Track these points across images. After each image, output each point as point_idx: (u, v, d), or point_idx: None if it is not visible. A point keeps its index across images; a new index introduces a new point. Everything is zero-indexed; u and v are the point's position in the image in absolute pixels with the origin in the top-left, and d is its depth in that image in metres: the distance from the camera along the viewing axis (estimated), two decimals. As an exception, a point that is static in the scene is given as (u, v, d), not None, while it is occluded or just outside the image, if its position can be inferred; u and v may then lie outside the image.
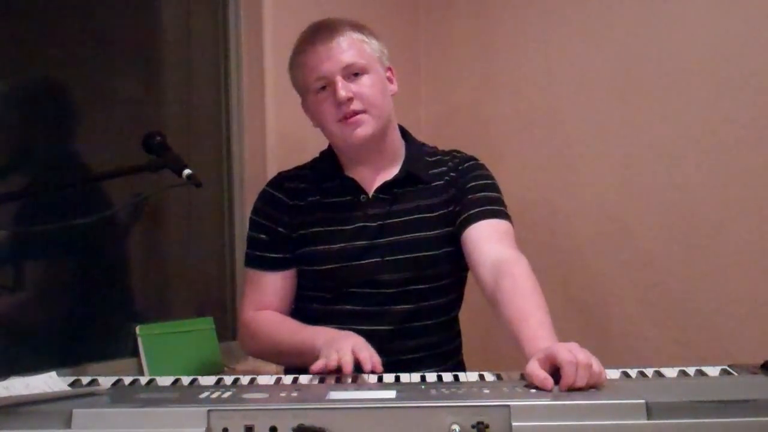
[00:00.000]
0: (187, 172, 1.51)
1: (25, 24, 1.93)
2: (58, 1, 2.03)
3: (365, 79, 1.65)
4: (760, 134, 1.95)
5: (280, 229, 1.71)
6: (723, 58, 2.00)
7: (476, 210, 1.64)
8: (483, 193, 1.68)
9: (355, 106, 1.63)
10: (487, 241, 1.60)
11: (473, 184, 1.70)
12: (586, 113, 2.27)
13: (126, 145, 1.95)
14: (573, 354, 1.16)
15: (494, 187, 1.72)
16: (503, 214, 1.66)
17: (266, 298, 1.73)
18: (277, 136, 2.26)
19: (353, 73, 1.64)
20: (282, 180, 1.77)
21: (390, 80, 1.74)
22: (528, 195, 2.34)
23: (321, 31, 1.67)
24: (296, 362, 1.60)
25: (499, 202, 1.69)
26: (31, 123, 1.97)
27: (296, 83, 1.73)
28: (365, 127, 1.64)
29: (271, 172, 1.85)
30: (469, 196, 1.67)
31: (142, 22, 2.22)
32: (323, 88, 1.65)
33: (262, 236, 1.73)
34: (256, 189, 1.82)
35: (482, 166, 1.76)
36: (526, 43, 2.42)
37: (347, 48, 1.65)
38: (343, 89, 1.62)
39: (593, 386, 1.16)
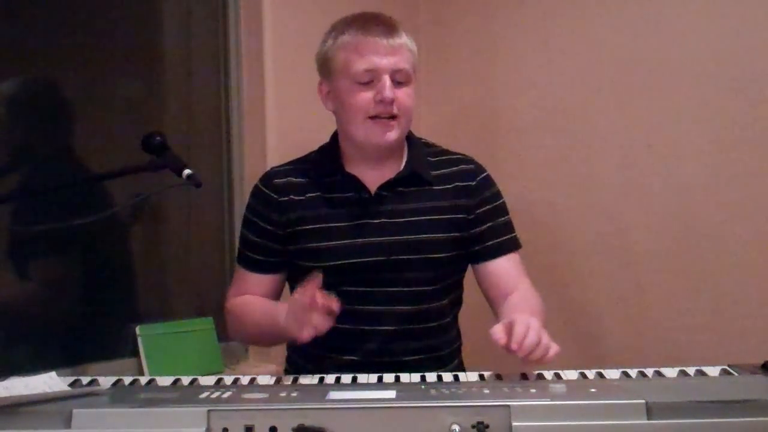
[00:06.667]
0: (187, 172, 1.50)
1: (25, 24, 1.93)
2: (59, 1, 2.03)
3: (407, 88, 1.64)
4: (759, 135, 1.95)
5: (269, 227, 1.68)
6: (723, 59, 2.00)
7: (499, 240, 1.70)
8: (502, 219, 1.72)
9: (393, 110, 1.62)
10: (508, 278, 1.68)
11: (492, 206, 1.72)
12: (586, 113, 2.27)
13: (126, 145, 1.95)
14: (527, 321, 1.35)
15: (506, 209, 1.75)
16: (518, 241, 1.73)
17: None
18: (277, 136, 2.26)
19: (398, 79, 1.63)
20: (272, 176, 1.73)
21: None
22: (527, 195, 2.34)
23: (380, 24, 1.64)
24: (273, 344, 1.76)
25: (512, 225, 1.74)
26: (31, 123, 1.97)
27: (331, 62, 1.67)
28: (394, 133, 1.63)
29: (271, 172, 1.85)
30: (490, 224, 1.70)
31: (142, 22, 2.22)
32: (366, 81, 1.62)
33: (251, 235, 1.71)
34: (256, 189, 1.81)
35: (494, 182, 1.76)
36: (526, 44, 2.42)
37: (404, 52, 1.64)
38: (390, 90, 1.60)
39: (542, 358, 1.32)
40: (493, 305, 1.69)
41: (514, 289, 1.66)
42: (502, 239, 1.70)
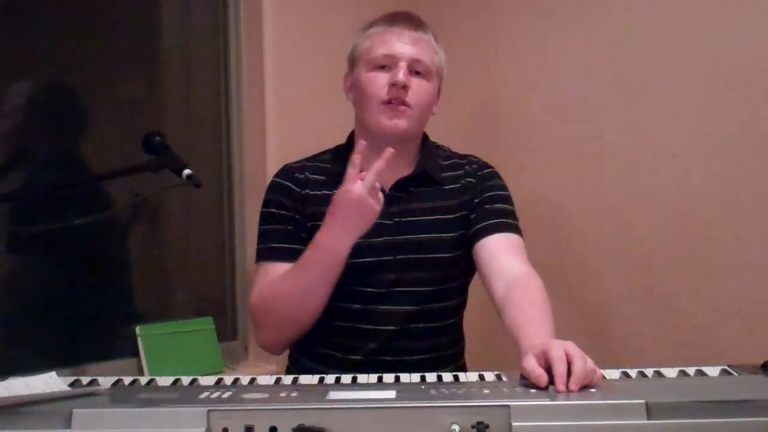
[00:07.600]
0: (187, 172, 1.51)
1: (25, 24, 1.93)
2: (59, 1, 2.03)
3: (423, 82, 1.67)
4: (760, 134, 1.95)
5: (297, 216, 1.67)
6: (723, 58, 2.00)
7: (493, 221, 1.65)
8: (499, 205, 1.69)
9: (406, 96, 1.64)
10: (504, 254, 1.61)
11: (491, 194, 1.70)
12: (586, 113, 2.27)
13: (126, 145, 1.95)
14: (565, 349, 1.18)
15: (510, 200, 1.73)
16: (517, 229, 1.68)
17: None
18: (277, 137, 2.26)
19: (417, 70, 1.66)
20: (290, 171, 1.74)
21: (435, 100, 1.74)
22: (528, 195, 2.33)
23: (409, 19, 1.70)
24: (323, 283, 1.57)
25: (514, 215, 1.71)
26: (32, 123, 1.97)
27: (356, 50, 1.71)
28: (404, 121, 1.64)
29: (271, 173, 1.84)
30: (486, 206, 1.68)
31: (142, 22, 2.22)
32: (383, 67, 1.65)
33: (278, 227, 1.68)
34: (256, 189, 1.81)
35: (499, 176, 1.76)
36: (526, 45, 2.42)
37: (427, 46, 1.68)
38: (405, 75, 1.63)
39: (588, 385, 1.15)
40: (488, 288, 1.60)
41: (509, 270, 1.57)
42: (498, 221, 1.66)
